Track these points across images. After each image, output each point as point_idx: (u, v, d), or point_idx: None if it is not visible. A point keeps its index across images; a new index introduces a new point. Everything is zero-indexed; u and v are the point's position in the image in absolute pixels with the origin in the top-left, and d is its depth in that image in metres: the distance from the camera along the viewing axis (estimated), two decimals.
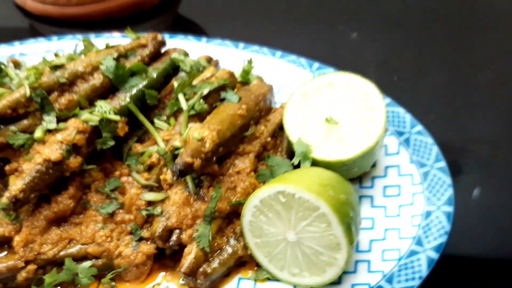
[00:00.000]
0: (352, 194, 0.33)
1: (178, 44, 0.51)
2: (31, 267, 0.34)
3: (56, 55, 0.42)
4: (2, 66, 0.39)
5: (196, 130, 0.34)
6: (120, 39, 0.53)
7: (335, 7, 0.64)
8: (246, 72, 0.43)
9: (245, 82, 0.43)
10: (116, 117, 0.36)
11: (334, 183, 0.32)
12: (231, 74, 0.41)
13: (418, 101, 0.51)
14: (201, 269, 0.34)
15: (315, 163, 0.36)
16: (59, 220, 0.36)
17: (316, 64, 0.48)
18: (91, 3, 0.60)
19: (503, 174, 0.47)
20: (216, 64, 0.47)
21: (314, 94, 0.39)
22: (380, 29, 0.61)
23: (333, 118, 0.37)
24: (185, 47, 0.50)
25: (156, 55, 0.41)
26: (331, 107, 0.38)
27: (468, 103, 0.52)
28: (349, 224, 0.31)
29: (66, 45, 0.52)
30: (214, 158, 0.35)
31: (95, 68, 0.38)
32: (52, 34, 0.63)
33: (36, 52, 0.52)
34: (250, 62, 0.44)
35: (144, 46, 0.41)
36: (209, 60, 0.47)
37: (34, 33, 0.64)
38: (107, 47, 0.40)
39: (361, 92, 0.38)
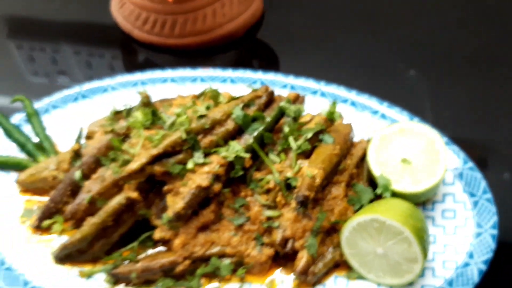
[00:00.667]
0: (424, 221, 0.45)
1: (269, 77, 0.63)
2: (187, 262, 0.47)
3: (193, 102, 0.54)
4: (159, 112, 0.51)
5: (308, 169, 0.47)
6: (217, 72, 0.65)
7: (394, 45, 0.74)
8: (331, 113, 0.55)
9: (331, 119, 0.55)
10: (246, 155, 0.48)
11: (412, 213, 0.44)
12: (326, 120, 0.52)
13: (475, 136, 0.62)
14: (310, 269, 0.46)
15: (393, 193, 0.48)
16: (203, 228, 0.49)
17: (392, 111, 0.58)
18: (190, 36, 0.72)
19: None
20: (302, 101, 0.59)
21: (390, 138, 0.51)
22: (436, 67, 0.71)
23: (407, 159, 0.49)
24: (274, 81, 0.62)
25: (268, 103, 0.53)
26: (403, 149, 0.50)
27: None
28: (424, 245, 0.43)
29: (180, 74, 0.65)
30: None
31: (228, 116, 0.50)
32: (150, 57, 0.76)
33: (154, 82, 0.65)
34: (334, 103, 0.56)
35: (259, 96, 0.53)
36: (297, 97, 0.59)
37: (138, 57, 0.76)
38: (233, 98, 0.52)
39: (427, 138, 0.50)
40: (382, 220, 0.43)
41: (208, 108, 0.51)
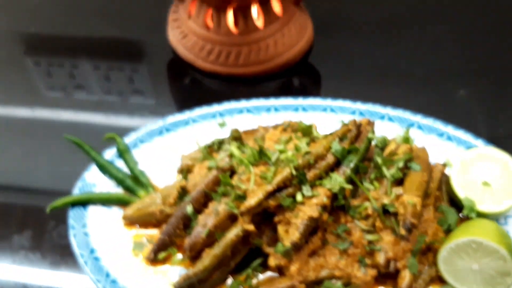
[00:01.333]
0: (510, 237, 0.52)
1: (338, 104, 0.69)
2: (303, 286, 0.53)
3: (290, 137, 0.59)
4: (264, 149, 0.56)
5: (408, 198, 0.53)
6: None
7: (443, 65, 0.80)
8: (406, 139, 0.61)
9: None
10: (348, 186, 0.54)
11: (502, 233, 0.51)
12: (411, 149, 0.58)
13: None
14: (413, 286, 0.53)
15: (478, 214, 0.55)
16: (312, 254, 0.54)
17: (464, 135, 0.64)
18: (254, 65, 0.76)
19: None
20: (373, 125, 0.65)
21: (470, 163, 0.57)
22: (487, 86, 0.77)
23: (487, 181, 0.56)
24: (343, 107, 0.68)
25: (357, 135, 0.59)
26: (483, 173, 0.56)
27: None
28: None
29: (254, 103, 0.70)
30: None
31: (328, 150, 0.55)
32: (211, 85, 0.80)
33: (231, 113, 0.70)
34: (408, 129, 0.62)
35: (350, 130, 0.58)
36: (369, 122, 0.64)
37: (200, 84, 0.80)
38: (331, 134, 0.58)
39: (502, 162, 0.56)
40: (479, 241, 0.50)
41: (307, 143, 0.56)
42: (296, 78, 0.80)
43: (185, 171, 0.62)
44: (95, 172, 0.64)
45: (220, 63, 0.76)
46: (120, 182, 0.63)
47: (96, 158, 0.64)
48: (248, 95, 0.71)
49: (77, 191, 0.62)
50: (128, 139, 0.66)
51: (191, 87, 0.80)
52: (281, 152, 0.55)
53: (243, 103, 0.70)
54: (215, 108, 0.69)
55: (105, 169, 0.63)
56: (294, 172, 0.53)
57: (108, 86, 0.80)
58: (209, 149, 0.63)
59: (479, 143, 0.62)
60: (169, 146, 0.67)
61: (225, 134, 0.66)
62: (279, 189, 0.53)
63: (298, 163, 0.53)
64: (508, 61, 0.79)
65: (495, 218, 0.56)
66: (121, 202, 0.62)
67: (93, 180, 0.64)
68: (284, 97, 0.70)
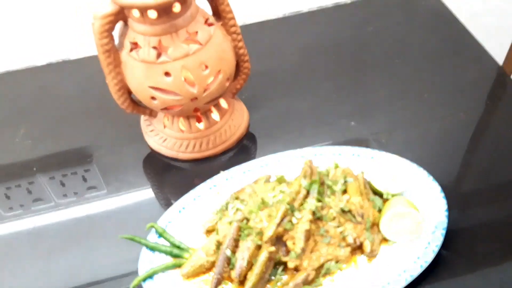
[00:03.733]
0: (413, 204, 0.90)
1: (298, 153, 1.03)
2: (313, 272, 0.85)
3: (274, 186, 0.92)
4: (263, 198, 0.88)
5: (354, 199, 0.88)
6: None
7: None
8: (336, 165, 0.97)
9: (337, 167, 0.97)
10: (319, 204, 0.88)
11: (409, 201, 0.89)
12: (343, 170, 0.94)
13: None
14: (373, 249, 0.88)
15: (391, 195, 0.92)
16: (311, 251, 0.87)
17: None
18: (219, 145, 1.08)
19: None
20: (312, 161, 1.00)
21: (376, 166, 0.95)
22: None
23: (389, 175, 0.94)
24: (294, 154, 1.03)
25: (312, 171, 0.93)
26: (385, 170, 0.95)
27: None
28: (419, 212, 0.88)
29: (234, 172, 1.01)
30: None
31: (300, 186, 0.89)
32: (192, 168, 1.09)
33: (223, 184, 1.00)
34: (334, 160, 0.98)
35: (307, 170, 0.92)
36: (311, 161, 0.99)
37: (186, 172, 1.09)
38: (298, 176, 0.91)
39: (395, 160, 0.95)
40: (397, 211, 0.87)
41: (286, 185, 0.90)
42: (247, 146, 1.13)
43: (211, 231, 0.91)
44: (147, 253, 0.90)
45: (195, 151, 1.07)
46: (169, 253, 0.90)
47: (146, 244, 0.90)
48: (221, 168, 1.02)
49: (142, 271, 0.88)
50: (160, 224, 0.94)
51: (177, 174, 1.09)
52: (274, 197, 0.88)
53: (227, 173, 1.01)
54: (209, 182, 1.00)
55: (155, 248, 0.90)
56: (287, 207, 0.86)
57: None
58: (222, 211, 0.93)
59: (376, 152, 1.01)
60: (188, 219, 0.96)
61: (222, 198, 0.96)
62: (281, 219, 0.85)
63: (288, 201, 0.86)
64: (375, 90, 1.21)
65: (401, 194, 0.94)
66: (174, 267, 0.89)
67: (148, 259, 0.90)
68: (250, 160, 1.03)
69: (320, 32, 1.38)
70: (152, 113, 1.08)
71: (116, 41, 0.93)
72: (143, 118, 1.12)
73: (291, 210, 0.86)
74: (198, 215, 0.96)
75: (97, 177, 1.07)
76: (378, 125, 1.13)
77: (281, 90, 1.23)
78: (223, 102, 1.08)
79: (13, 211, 1.03)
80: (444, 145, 1.08)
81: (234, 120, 1.09)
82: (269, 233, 0.84)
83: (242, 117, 1.11)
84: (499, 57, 1.25)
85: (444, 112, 1.14)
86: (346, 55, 1.31)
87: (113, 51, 0.91)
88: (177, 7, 0.86)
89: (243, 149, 1.11)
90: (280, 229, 0.85)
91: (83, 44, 1.31)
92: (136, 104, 1.04)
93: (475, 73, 1.20)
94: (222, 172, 1.00)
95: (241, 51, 1.02)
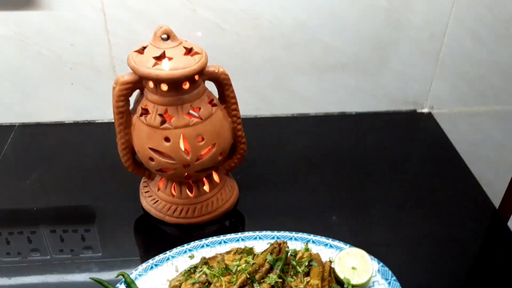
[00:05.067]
0: None
1: (267, 234, 1.09)
2: None
3: (241, 256, 0.97)
4: (227, 264, 0.93)
5: (313, 281, 0.92)
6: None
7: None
8: (307, 249, 1.02)
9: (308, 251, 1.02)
10: (279, 280, 0.92)
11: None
12: (310, 254, 0.99)
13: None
14: None
15: (352, 286, 0.96)
16: None
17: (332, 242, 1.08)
18: (204, 215, 1.16)
19: None
20: (286, 243, 1.05)
21: (343, 257, 0.99)
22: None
23: (354, 267, 0.98)
24: (266, 235, 1.09)
25: (279, 250, 0.99)
26: (351, 262, 0.99)
27: None
28: None
29: (211, 240, 1.07)
30: None
31: (265, 260, 0.94)
32: (176, 233, 1.16)
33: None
34: (307, 244, 1.04)
35: (275, 247, 0.98)
36: (284, 242, 1.05)
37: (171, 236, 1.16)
38: (265, 250, 0.97)
39: (361, 255, 1.00)
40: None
41: (252, 258, 0.95)
42: (230, 221, 1.20)
43: None
44: None
45: (181, 217, 1.15)
46: None
47: None
48: (202, 236, 1.09)
49: None
50: (131, 275, 0.99)
51: (161, 235, 1.16)
52: (238, 266, 0.93)
53: (204, 241, 1.07)
54: (185, 246, 1.06)
55: None
56: (248, 276, 0.91)
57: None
58: (189, 272, 0.98)
59: (347, 247, 1.06)
60: (158, 276, 1.01)
61: (194, 262, 1.02)
62: (240, 287, 0.90)
63: (249, 270, 0.91)
64: (363, 196, 1.28)
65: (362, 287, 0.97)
66: None
67: None
68: (228, 233, 1.10)
69: (323, 136, 1.50)
70: (150, 176, 1.18)
71: (131, 107, 1.07)
72: (142, 181, 1.23)
73: (251, 280, 0.91)
74: (169, 274, 1.01)
75: (95, 238, 1.15)
76: (361, 225, 1.19)
77: (276, 179, 1.32)
78: (215, 176, 1.18)
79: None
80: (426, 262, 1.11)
81: (223, 195, 1.18)
82: None
83: (231, 193, 1.20)
84: (496, 196, 1.31)
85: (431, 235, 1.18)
86: (344, 161, 1.39)
87: (126, 114, 1.05)
88: (186, 85, 1.00)
89: (226, 223, 1.18)
90: None
91: (106, 109, 1.48)
92: (137, 165, 1.15)
93: (471, 214, 1.18)
94: (201, 240, 1.07)
95: (239, 133, 1.14)
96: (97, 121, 1.51)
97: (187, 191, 1.14)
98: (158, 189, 1.17)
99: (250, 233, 1.09)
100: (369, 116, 1.58)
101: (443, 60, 1.48)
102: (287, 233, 1.09)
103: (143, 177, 1.22)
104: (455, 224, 1.18)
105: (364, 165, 1.38)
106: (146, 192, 1.20)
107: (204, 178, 1.16)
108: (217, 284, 0.91)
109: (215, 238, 1.08)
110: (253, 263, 0.93)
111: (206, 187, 1.16)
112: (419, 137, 1.53)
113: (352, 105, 1.56)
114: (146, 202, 1.18)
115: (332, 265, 1.00)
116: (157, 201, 1.17)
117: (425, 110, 1.60)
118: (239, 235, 1.09)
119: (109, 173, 1.31)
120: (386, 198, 1.26)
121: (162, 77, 0.96)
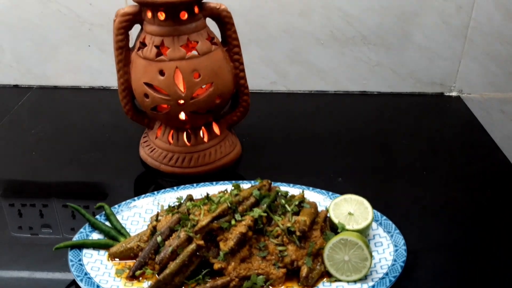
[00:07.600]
0: (365, 240, 0.82)
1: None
2: (236, 279, 0.78)
3: (226, 191, 0.90)
4: (210, 196, 0.86)
5: (301, 218, 0.83)
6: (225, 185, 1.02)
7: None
8: (302, 195, 0.94)
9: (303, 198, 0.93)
10: (264, 214, 0.84)
11: (359, 234, 0.82)
12: (303, 195, 0.91)
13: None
14: (309, 275, 0.79)
15: (347, 231, 0.85)
16: (242, 260, 0.81)
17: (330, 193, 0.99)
18: (201, 166, 1.10)
19: None
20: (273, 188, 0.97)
21: (340, 203, 0.90)
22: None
23: (351, 212, 0.88)
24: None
25: (269, 188, 0.91)
26: (348, 208, 0.89)
27: None
28: (369, 249, 0.79)
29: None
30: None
31: (250, 195, 0.86)
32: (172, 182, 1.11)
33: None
34: (303, 191, 0.95)
35: (265, 185, 0.90)
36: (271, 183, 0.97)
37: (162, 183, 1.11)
38: (253, 186, 0.89)
39: (359, 201, 0.90)
40: (345, 238, 0.80)
41: (238, 191, 0.87)
42: (227, 176, 1.12)
43: (155, 219, 0.89)
44: (88, 228, 0.90)
45: (177, 166, 1.09)
46: (106, 233, 0.89)
47: (89, 218, 0.90)
48: None
49: (75, 238, 0.87)
50: (113, 208, 0.94)
51: (154, 184, 1.11)
52: (220, 197, 0.86)
53: (195, 185, 1.01)
54: (175, 188, 1.00)
55: (96, 225, 0.89)
56: (229, 205, 0.83)
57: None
58: (172, 208, 0.91)
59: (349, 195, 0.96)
60: (142, 211, 0.95)
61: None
62: (220, 216, 0.82)
63: (232, 200, 0.84)
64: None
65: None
66: (107, 246, 0.86)
67: (87, 233, 0.89)
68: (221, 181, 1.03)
69: (341, 115, 1.40)
70: (149, 124, 1.15)
71: (132, 44, 1.06)
72: (143, 134, 1.19)
73: (232, 210, 0.83)
74: (153, 213, 0.95)
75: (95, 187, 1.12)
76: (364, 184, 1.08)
77: (287, 146, 1.24)
78: (215, 128, 1.12)
79: None
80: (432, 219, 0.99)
81: (222, 147, 1.12)
82: (202, 222, 0.81)
83: (231, 149, 1.14)
84: None
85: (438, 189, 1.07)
86: (364, 144, 1.26)
87: (125, 49, 1.03)
88: (184, 15, 0.97)
89: (224, 177, 1.11)
90: (215, 225, 0.81)
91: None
92: (137, 111, 1.12)
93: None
94: (192, 186, 1.01)
95: (242, 81, 1.09)
96: (112, 88, 1.51)
97: (185, 138, 1.09)
98: (156, 137, 1.12)
99: (245, 182, 1.02)
100: (392, 97, 1.49)
101: (472, 36, 1.39)
102: (284, 184, 1.01)
103: (145, 131, 1.19)
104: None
105: (386, 151, 1.22)
106: (144, 142, 1.16)
107: (203, 128, 1.10)
108: (196, 213, 0.84)
109: (209, 184, 1.02)
110: (237, 195, 0.86)
111: (204, 137, 1.10)
112: (449, 123, 1.40)
113: (374, 83, 1.48)
114: (144, 152, 1.14)
115: (329, 215, 0.91)
116: (154, 149, 1.12)
117: (454, 94, 1.49)
118: (236, 182, 1.02)
119: (119, 143, 1.27)
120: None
121: (159, 1, 0.94)
